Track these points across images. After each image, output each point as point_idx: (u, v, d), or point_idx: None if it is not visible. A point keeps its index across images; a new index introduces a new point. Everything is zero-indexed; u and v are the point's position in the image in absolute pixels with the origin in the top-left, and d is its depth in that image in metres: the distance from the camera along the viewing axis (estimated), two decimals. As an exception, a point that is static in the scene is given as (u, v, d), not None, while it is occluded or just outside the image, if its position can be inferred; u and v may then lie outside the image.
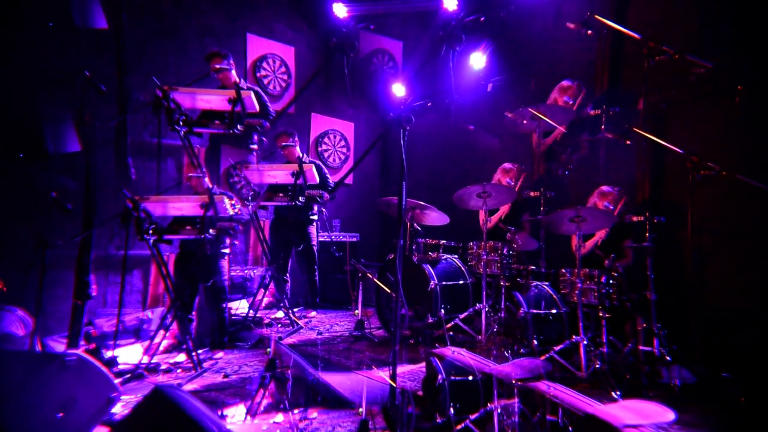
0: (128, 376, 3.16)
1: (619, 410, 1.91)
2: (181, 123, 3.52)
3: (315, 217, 4.74)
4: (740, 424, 2.49)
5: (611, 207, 3.49)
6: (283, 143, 4.54)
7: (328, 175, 4.89)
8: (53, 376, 2.10)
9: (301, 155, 4.65)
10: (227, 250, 3.94)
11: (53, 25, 3.94)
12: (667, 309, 3.13)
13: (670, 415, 1.86)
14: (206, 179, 3.78)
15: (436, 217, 4.06)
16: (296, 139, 4.64)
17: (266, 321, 4.36)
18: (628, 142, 3.75)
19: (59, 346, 3.49)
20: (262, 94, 4.58)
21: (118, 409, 2.55)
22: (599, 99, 4.10)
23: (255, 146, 4.49)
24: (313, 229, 4.74)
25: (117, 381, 2.48)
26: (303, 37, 6.02)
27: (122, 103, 3.96)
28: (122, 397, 2.57)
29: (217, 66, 4.11)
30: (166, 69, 4.89)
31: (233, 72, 4.32)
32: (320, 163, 4.93)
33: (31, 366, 2.10)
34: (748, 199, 3.20)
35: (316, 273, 4.75)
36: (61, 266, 3.82)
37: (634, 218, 3.19)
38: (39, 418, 2.09)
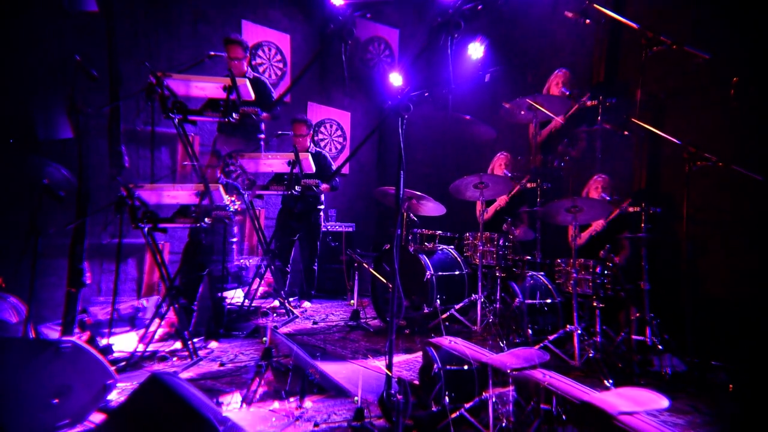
0: (124, 363, 3.15)
1: (614, 397, 1.94)
2: (174, 110, 3.47)
3: (322, 207, 4.73)
4: (729, 410, 2.54)
5: (605, 196, 3.51)
6: (299, 132, 4.53)
7: (333, 166, 4.87)
8: (48, 362, 2.09)
9: (309, 145, 4.63)
10: (235, 239, 3.93)
11: (41, 7, 3.83)
12: (660, 299, 3.17)
13: (664, 402, 1.89)
14: (218, 170, 3.77)
15: (432, 208, 4.06)
16: (311, 131, 4.65)
17: (262, 310, 4.36)
18: (626, 133, 3.75)
19: (53, 333, 3.47)
20: (268, 84, 4.54)
21: (114, 396, 2.55)
22: (596, 89, 4.09)
23: (263, 135, 4.46)
24: (320, 219, 4.73)
25: (112, 368, 2.47)
26: (298, 25, 5.93)
27: (115, 90, 3.89)
28: (118, 385, 2.57)
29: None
30: (158, 55, 4.80)
31: (245, 63, 4.30)
32: (325, 153, 4.89)
33: (25, 353, 2.09)
34: (743, 190, 3.22)
35: (316, 263, 4.75)
36: (55, 254, 3.78)
37: (631, 209, 3.21)
38: (35, 404, 2.08)
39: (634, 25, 3.24)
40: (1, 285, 3.24)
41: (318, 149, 4.82)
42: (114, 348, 3.31)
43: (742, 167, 2.72)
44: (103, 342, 3.29)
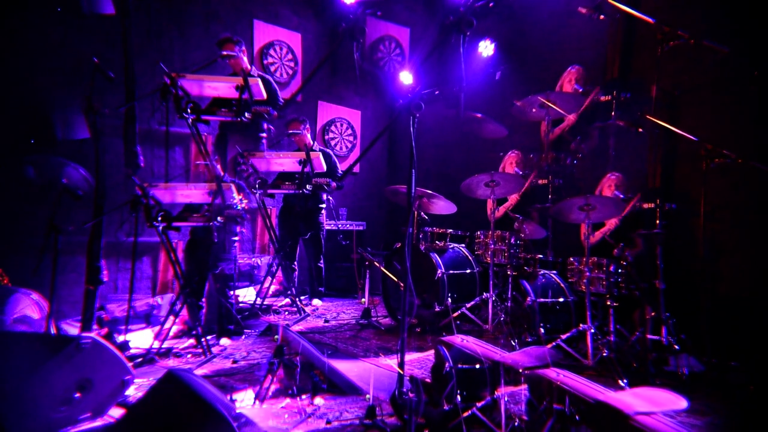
0: (140, 359, 3.21)
1: (631, 397, 1.91)
2: (188, 110, 3.51)
3: (323, 206, 4.74)
4: (749, 411, 2.49)
5: (619, 194, 3.46)
6: (293, 130, 4.53)
7: (338, 164, 4.88)
8: (70, 358, 2.15)
9: (311, 143, 4.64)
10: (236, 238, 3.97)
11: (61, 10, 3.92)
12: (676, 298, 3.12)
13: (682, 403, 1.86)
14: (218, 167, 3.80)
15: (443, 206, 4.05)
16: (307, 126, 4.62)
17: (274, 308, 4.39)
18: (640, 130, 3.69)
19: (72, 329, 3.55)
20: (272, 82, 4.55)
21: (132, 392, 2.60)
22: (610, 85, 4.03)
23: (264, 134, 4.48)
24: (322, 218, 4.75)
25: (130, 364, 2.52)
26: (309, 24, 5.95)
27: (130, 90, 3.95)
28: (135, 380, 2.62)
29: (225, 53, 4.08)
30: (172, 55, 4.86)
31: (245, 59, 4.30)
32: (330, 151, 4.90)
33: (49, 348, 2.15)
34: (762, 187, 3.15)
35: (322, 261, 4.77)
36: (73, 252, 3.86)
37: (645, 205, 3.16)
38: (58, 397, 2.14)
39: (650, 20, 3.18)
40: (8, 284, 3.32)
41: (323, 147, 4.83)
42: (130, 344, 3.37)
43: (762, 163, 2.66)
44: (120, 338, 3.35)
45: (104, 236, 3.55)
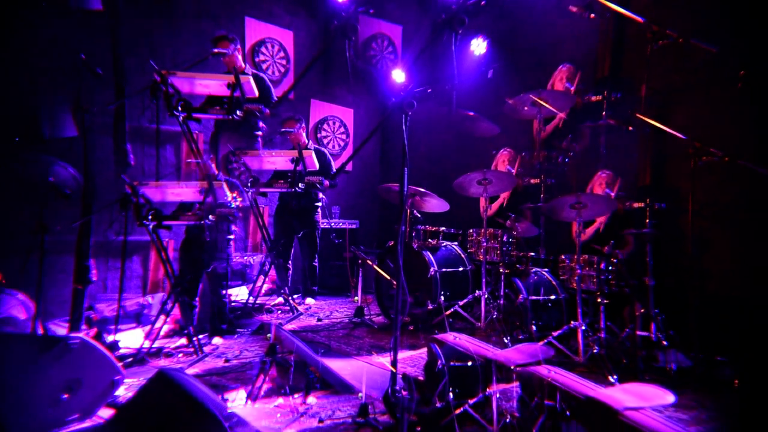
0: (130, 359, 3.18)
1: (620, 393, 1.93)
2: (179, 108, 3.48)
3: (319, 204, 4.73)
4: (734, 405, 2.54)
5: (609, 192, 3.50)
6: (287, 128, 4.52)
7: (333, 163, 4.86)
8: (57, 358, 2.13)
9: (306, 142, 4.62)
10: (231, 236, 3.94)
11: (46, 5, 3.86)
12: (665, 295, 3.16)
13: (669, 398, 1.89)
14: (212, 165, 3.78)
15: (436, 204, 4.06)
16: (303, 125, 4.61)
17: (267, 307, 4.38)
18: (630, 129, 3.73)
19: (61, 330, 3.51)
20: (266, 80, 4.52)
21: (121, 392, 2.58)
22: (600, 85, 4.06)
23: (259, 132, 4.46)
24: (317, 216, 4.74)
25: (119, 364, 2.49)
26: (302, 22, 5.93)
27: (119, 87, 3.91)
28: (125, 380, 2.59)
29: (216, 50, 4.04)
30: (162, 52, 4.82)
31: (239, 57, 4.27)
32: (324, 150, 4.89)
33: (35, 348, 2.12)
34: (749, 185, 3.20)
35: (317, 260, 4.76)
36: (61, 251, 3.81)
37: (635, 205, 3.20)
38: (45, 399, 2.12)
39: (639, 19, 3.21)
40: (2, 281, 3.27)
41: (317, 146, 4.82)
42: (120, 344, 3.34)
43: (749, 162, 2.70)
44: (110, 338, 3.32)
45: (93, 235, 3.52)
